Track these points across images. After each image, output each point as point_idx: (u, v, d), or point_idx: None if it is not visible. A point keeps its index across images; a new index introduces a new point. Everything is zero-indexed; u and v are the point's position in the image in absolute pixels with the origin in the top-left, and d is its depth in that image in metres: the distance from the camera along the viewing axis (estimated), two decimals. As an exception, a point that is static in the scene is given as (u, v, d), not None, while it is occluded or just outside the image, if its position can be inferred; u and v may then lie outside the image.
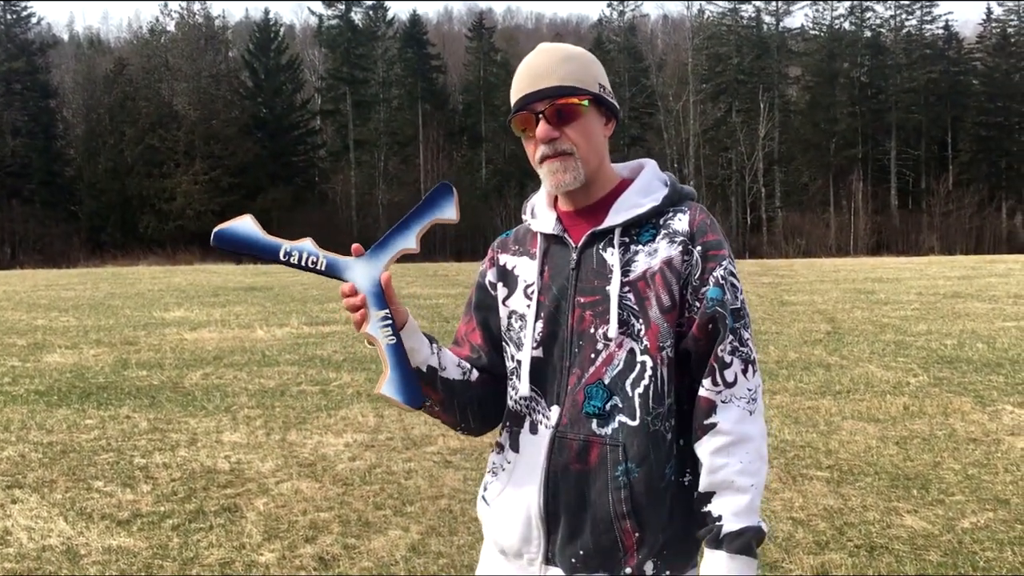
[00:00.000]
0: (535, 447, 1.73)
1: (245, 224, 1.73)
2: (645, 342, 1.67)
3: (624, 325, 1.68)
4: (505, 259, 1.86)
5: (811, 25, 64.60)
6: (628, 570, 1.67)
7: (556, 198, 1.81)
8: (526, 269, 1.81)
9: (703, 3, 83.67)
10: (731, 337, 1.65)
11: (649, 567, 1.66)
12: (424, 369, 1.75)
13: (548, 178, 1.73)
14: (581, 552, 1.68)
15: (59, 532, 4.55)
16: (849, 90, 60.26)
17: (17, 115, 55.84)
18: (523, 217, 1.88)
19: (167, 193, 53.74)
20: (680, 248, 1.69)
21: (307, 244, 1.73)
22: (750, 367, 1.66)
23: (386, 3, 64.12)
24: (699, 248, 1.69)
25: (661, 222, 1.72)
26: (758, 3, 63.85)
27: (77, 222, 55.17)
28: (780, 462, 5.65)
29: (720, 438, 1.63)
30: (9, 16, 58.94)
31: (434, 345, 1.78)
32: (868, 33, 62.22)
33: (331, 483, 5.32)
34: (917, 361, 9.13)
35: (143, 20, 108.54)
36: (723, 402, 1.64)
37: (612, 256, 1.71)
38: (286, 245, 1.73)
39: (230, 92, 58.64)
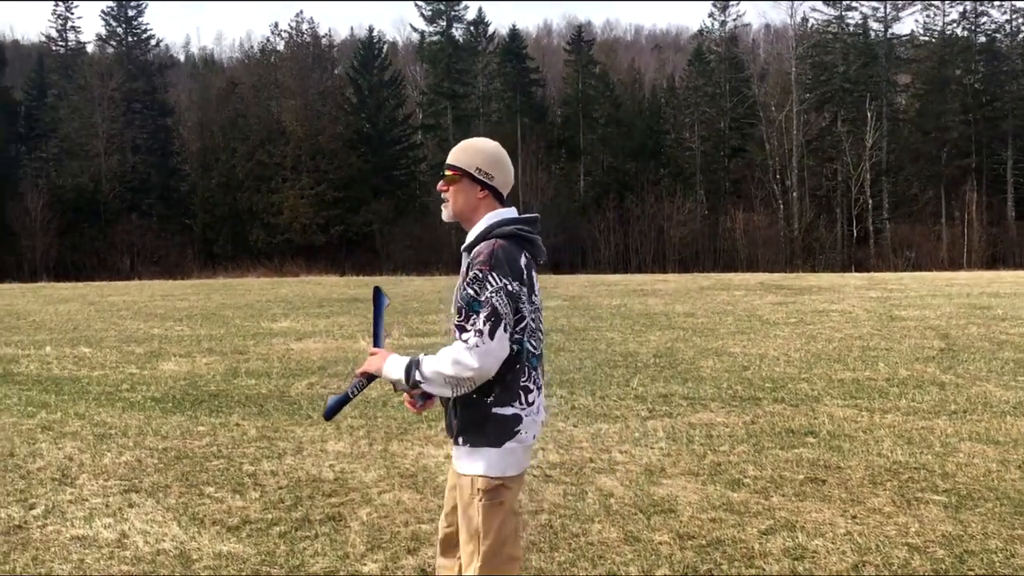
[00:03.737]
0: None
1: (333, 398, 3.12)
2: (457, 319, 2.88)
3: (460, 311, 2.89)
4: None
5: (921, 31, 62.44)
6: (456, 437, 2.97)
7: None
8: None
9: (807, 11, 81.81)
10: (473, 316, 2.81)
11: (461, 439, 2.94)
12: None
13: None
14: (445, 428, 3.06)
15: (172, 536, 4.71)
16: (962, 97, 57.88)
17: (137, 133, 58.56)
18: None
19: (275, 207, 55.46)
20: (468, 266, 2.89)
21: (354, 381, 3.10)
22: (475, 334, 2.80)
23: (487, 19, 64.84)
24: (471, 264, 2.86)
25: (474, 251, 2.90)
26: (865, 10, 62.18)
27: (191, 235, 57.46)
28: (893, 484, 5.43)
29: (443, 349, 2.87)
30: (131, 39, 61.90)
31: None
32: (982, 38, 59.72)
33: (432, 494, 5.36)
34: (1040, 381, 8.67)
35: (254, 40, 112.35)
36: (454, 339, 2.87)
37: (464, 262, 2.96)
38: (348, 390, 3.10)
39: (335, 108, 60.16)
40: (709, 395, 8.32)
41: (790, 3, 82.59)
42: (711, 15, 66.70)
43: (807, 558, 4.34)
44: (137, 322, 15.89)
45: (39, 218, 52.19)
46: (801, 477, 5.61)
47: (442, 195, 3.03)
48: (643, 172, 59.99)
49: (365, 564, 4.33)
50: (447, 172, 3.00)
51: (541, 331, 3.00)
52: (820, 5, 65.16)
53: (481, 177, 2.97)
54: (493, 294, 2.80)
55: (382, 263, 49.11)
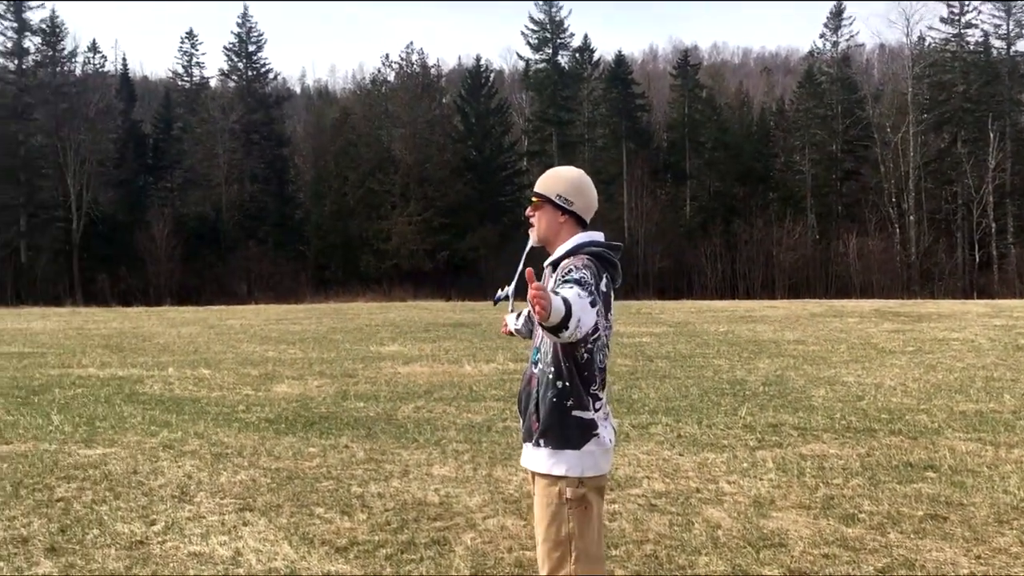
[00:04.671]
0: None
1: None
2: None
3: None
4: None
5: (1049, 47, 59.60)
6: (536, 440, 3.14)
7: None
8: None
9: (924, 30, 79.07)
10: (572, 285, 2.94)
11: (542, 442, 3.12)
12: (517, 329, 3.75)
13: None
14: (522, 430, 3.26)
15: (284, 556, 4.82)
16: (1095, 115, 54.99)
17: (255, 163, 60.87)
18: None
19: (384, 234, 56.72)
20: (556, 273, 3.16)
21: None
22: (580, 288, 2.91)
23: (592, 45, 65.10)
24: (560, 272, 3.11)
25: (564, 263, 3.17)
26: (986, 27, 59.80)
27: (305, 261, 59.26)
28: (1021, 524, 5.14)
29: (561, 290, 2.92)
30: (250, 73, 64.55)
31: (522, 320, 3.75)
32: (1117, 52, 56.67)
33: (536, 521, 5.34)
34: None
35: (366, 71, 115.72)
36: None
37: (548, 276, 3.29)
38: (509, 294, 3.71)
39: (443, 136, 61.27)
40: (821, 425, 8.07)
41: (906, 22, 79.89)
42: (823, 36, 65.06)
43: (927, 599, 4.14)
44: (253, 345, 16.44)
45: (164, 245, 54.77)
46: (920, 513, 5.38)
47: (529, 220, 3.30)
48: (751, 196, 58.94)
49: (469, 589, 4.35)
50: (533, 199, 3.29)
51: (608, 348, 3.21)
52: (938, 23, 62.93)
53: (561, 203, 3.24)
54: (584, 273, 3.00)
55: (487, 289, 49.53)
